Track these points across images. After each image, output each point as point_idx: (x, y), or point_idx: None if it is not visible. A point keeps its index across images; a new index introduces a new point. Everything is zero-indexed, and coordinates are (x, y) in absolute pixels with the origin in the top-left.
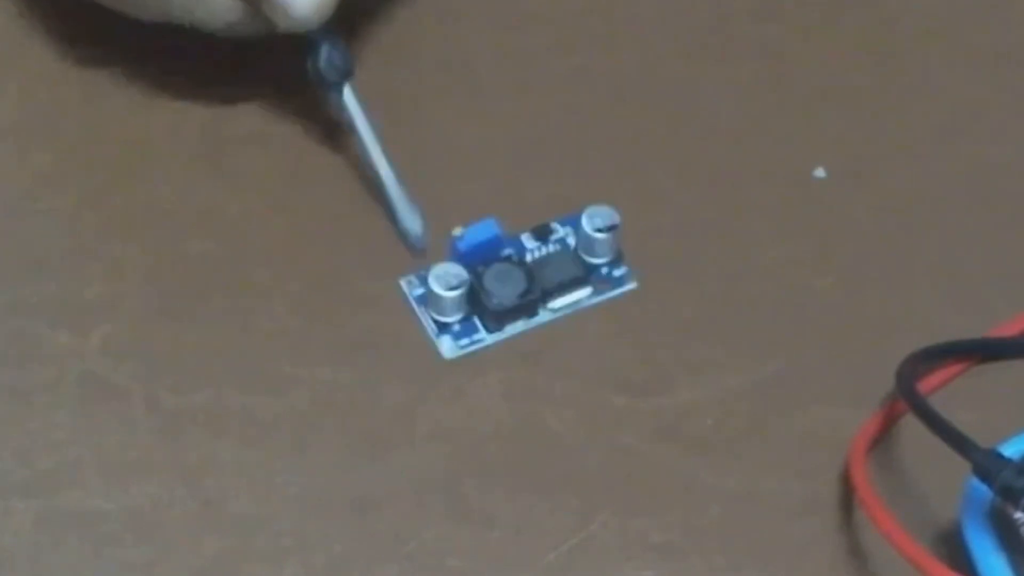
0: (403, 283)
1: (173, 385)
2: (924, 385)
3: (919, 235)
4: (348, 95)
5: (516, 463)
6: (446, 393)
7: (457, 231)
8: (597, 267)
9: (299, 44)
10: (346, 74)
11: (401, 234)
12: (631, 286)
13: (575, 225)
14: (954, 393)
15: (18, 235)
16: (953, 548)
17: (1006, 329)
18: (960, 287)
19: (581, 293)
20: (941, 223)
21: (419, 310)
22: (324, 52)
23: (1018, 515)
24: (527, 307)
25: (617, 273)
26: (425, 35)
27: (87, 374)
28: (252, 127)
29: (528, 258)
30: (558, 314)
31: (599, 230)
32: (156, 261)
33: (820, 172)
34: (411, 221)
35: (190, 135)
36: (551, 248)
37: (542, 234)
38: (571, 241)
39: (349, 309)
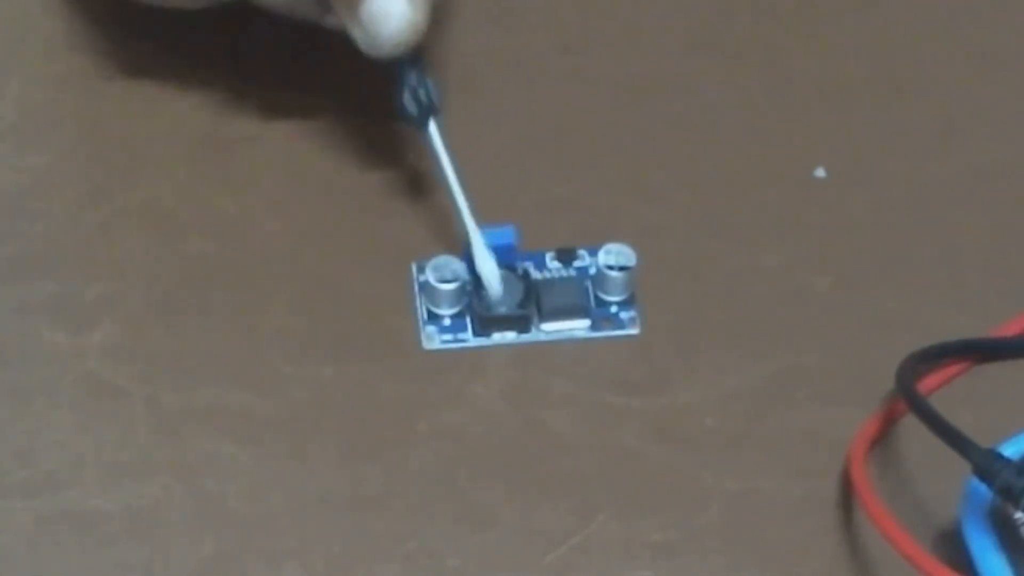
0: (413, 267)
1: (173, 385)
2: (924, 385)
3: (919, 235)
4: (432, 133)
5: (516, 463)
6: (446, 393)
7: None
8: (607, 304)
9: (378, 71)
10: (432, 111)
11: (480, 283)
12: (633, 331)
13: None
14: (954, 393)
15: (18, 235)
16: (953, 548)
17: (1006, 329)
18: (960, 287)
19: (578, 324)
20: (941, 223)
21: (417, 297)
22: (409, 87)
23: (1018, 515)
24: (519, 321)
25: (624, 315)
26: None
27: (87, 374)
28: (252, 127)
29: (535, 275)
30: (551, 337)
31: (611, 267)
32: (156, 261)
33: (820, 172)
34: (489, 273)
35: (190, 135)
36: (569, 273)
37: (566, 257)
38: (592, 271)
39: (349, 309)
